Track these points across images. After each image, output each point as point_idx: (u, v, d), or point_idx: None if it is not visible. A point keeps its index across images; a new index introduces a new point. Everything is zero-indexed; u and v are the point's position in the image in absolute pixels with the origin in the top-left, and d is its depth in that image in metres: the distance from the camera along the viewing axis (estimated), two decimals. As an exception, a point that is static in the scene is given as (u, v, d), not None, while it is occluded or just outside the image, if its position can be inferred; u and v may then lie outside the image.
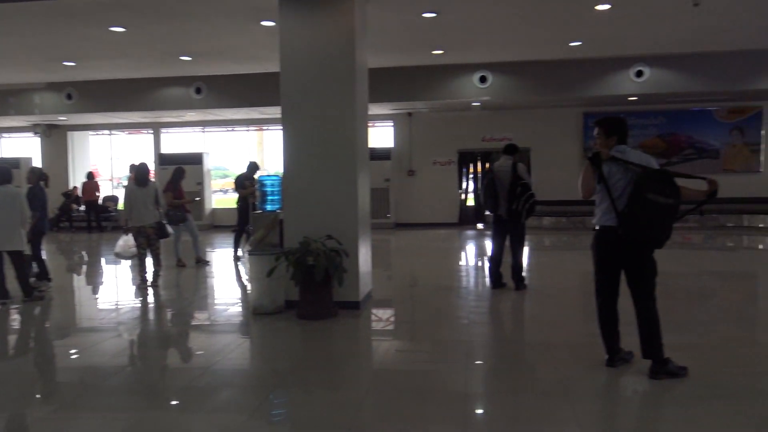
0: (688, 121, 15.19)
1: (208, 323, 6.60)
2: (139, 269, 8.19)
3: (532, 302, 7.13)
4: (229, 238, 11.31)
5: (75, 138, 18.04)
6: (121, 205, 14.32)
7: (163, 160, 16.27)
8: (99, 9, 7.90)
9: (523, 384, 4.45)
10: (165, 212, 8.90)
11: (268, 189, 6.93)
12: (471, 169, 16.31)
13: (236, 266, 10.14)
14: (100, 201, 16.83)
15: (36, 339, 6.36)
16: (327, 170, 6.56)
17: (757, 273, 9.88)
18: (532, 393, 4.23)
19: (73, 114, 15.28)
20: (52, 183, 10.19)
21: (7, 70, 12.23)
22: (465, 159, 16.15)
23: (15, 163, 14.64)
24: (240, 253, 10.61)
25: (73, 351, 5.65)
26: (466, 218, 16.08)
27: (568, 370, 4.58)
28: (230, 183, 14.81)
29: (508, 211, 7.19)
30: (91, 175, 16.80)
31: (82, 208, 16.89)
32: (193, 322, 6.74)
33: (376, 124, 16.21)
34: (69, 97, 14.64)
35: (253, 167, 10.71)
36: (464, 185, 16.28)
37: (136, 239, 8.16)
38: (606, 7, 8.34)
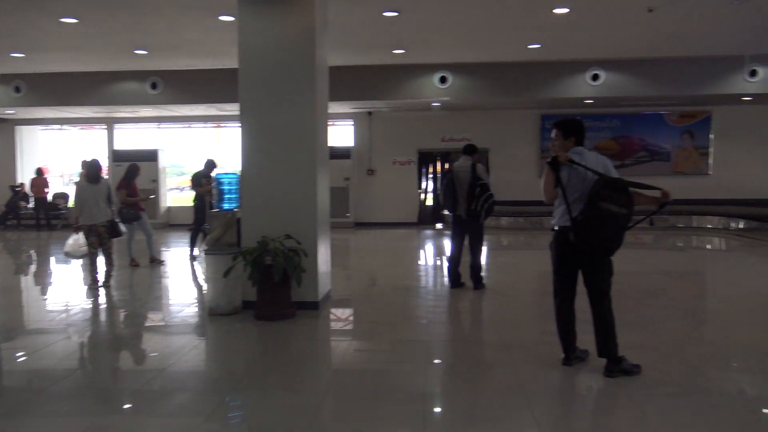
0: (641, 124, 15.63)
1: (162, 324, 6.44)
2: (90, 269, 7.96)
3: (490, 302, 7.20)
4: (185, 237, 11.12)
5: (23, 133, 17.44)
6: (71, 203, 13.92)
7: (116, 156, 15.94)
8: (49, -2, 7.66)
9: (481, 383, 4.49)
10: (118, 210, 8.76)
11: (226, 187, 6.81)
12: (430, 169, 16.42)
13: (192, 266, 9.97)
14: (49, 198, 16.36)
15: (-21, 341, 6.09)
16: (286, 169, 6.48)
17: (705, 272, 10.26)
18: (490, 392, 4.27)
19: (22, 108, 14.75)
20: (-1, 180, 9.83)
21: (-50, 61, 11.75)
22: (425, 159, 16.25)
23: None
24: (196, 252, 10.45)
25: (19, 354, 5.43)
26: (426, 218, 16.20)
27: (525, 370, 4.63)
28: (187, 181, 14.52)
29: (467, 211, 7.25)
30: (40, 172, 16.33)
31: (31, 205, 16.37)
32: (147, 324, 6.57)
33: (336, 123, 16.15)
34: (17, 90, 14.11)
35: (211, 165, 10.57)
36: (424, 185, 16.38)
37: (87, 238, 7.94)
38: (564, 10, 8.49)
